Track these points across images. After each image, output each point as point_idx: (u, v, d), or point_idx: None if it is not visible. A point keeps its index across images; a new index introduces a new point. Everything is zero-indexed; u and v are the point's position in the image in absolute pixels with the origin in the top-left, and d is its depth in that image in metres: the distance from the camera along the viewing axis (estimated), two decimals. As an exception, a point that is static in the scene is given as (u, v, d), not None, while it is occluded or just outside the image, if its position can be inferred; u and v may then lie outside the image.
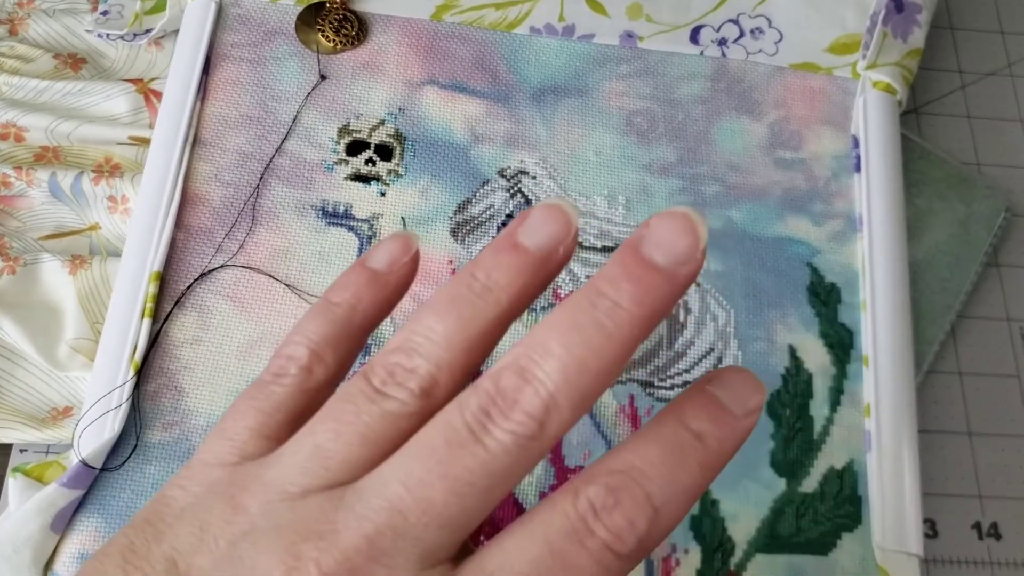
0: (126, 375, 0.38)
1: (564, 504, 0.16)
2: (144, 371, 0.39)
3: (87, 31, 0.48)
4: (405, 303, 0.41)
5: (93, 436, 0.37)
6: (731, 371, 0.18)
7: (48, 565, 0.36)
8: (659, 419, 0.17)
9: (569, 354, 0.16)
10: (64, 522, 0.36)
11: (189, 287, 0.41)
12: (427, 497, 0.16)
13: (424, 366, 0.18)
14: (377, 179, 0.44)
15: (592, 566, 0.16)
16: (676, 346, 0.42)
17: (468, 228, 0.43)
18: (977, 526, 0.43)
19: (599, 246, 0.43)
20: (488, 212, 0.44)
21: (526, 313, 0.42)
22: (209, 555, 0.17)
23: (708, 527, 0.39)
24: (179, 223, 0.42)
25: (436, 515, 0.16)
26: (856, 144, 0.46)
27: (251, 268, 0.41)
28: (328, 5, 0.46)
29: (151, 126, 0.45)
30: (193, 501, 0.18)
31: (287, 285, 0.41)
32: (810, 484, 0.40)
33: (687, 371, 0.42)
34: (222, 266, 0.41)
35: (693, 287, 0.43)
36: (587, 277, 0.43)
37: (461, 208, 0.44)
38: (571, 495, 0.16)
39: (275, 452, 0.19)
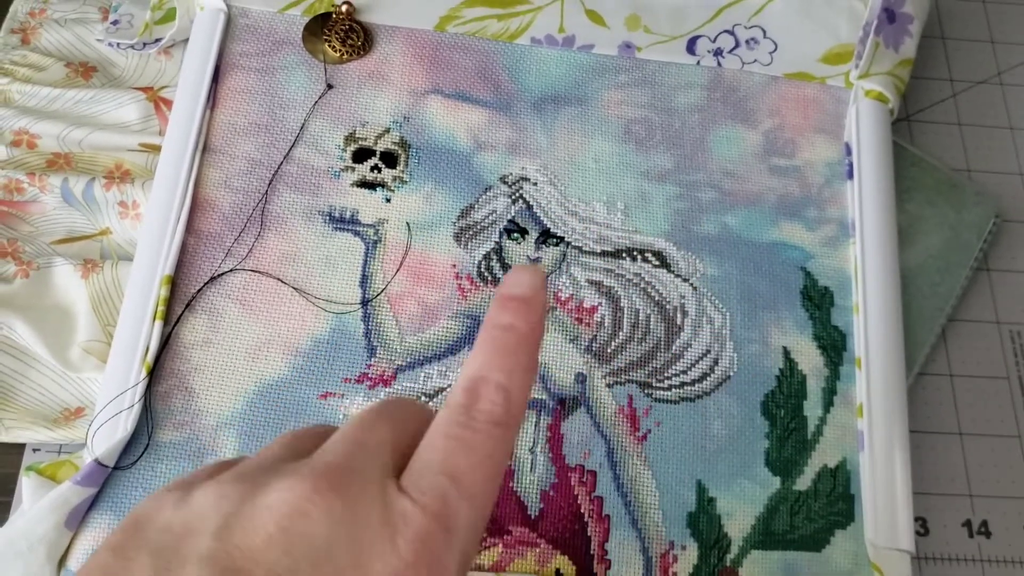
0: (138, 376, 0.39)
1: (445, 413, 0.21)
2: (155, 372, 0.40)
3: (98, 40, 0.49)
4: (409, 306, 0.43)
5: (106, 435, 0.38)
6: (512, 273, 0.23)
7: (62, 561, 0.37)
8: (481, 332, 0.22)
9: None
10: (78, 519, 0.37)
11: (199, 290, 0.42)
12: (378, 432, 0.21)
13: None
14: (382, 185, 0.45)
15: (483, 438, 0.20)
16: (673, 348, 0.43)
17: (471, 233, 0.44)
18: (968, 524, 0.44)
19: (598, 251, 0.45)
20: (491, 217, 0.45)
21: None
22: (201, 507, 0.19)
23: (705, 524, 0.40)
24: (189, 228, 0.43)
25: (388, 440, 0.21)
26: (849, 151, 0.48)
27: (260, 272, 0.43)
28: (334, 16, 0.47)
29: (161, 133, 0.46)
30: (175, 496, 0.20)
31: (295, 288, 0.42)
32: (804, 482, 0.41)
33: (684, 372, 0.43)
34: (231, 270, 0.42)
35: (690, 290, 0.44)
36: (587, 281, 0.44)
37: (464, 213, 0.45)
38: (447, 407, 0.21)
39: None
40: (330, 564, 0.18)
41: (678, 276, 0.44)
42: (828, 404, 0.43)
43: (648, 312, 0.44)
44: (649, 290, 0.44)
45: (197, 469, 0.23)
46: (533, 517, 0.40)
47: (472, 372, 0.22)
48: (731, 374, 0.43)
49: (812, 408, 0.43)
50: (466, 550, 0.20)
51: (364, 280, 0.43)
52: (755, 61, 0.49)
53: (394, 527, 0.19)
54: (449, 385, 0.41)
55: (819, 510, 0.41)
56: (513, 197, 0.45)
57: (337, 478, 0.19)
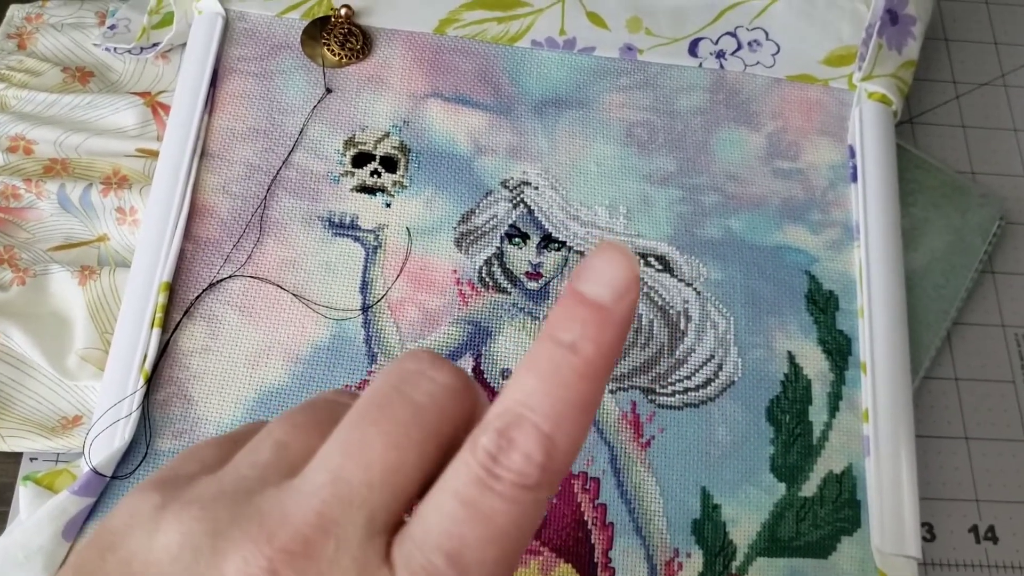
0: (136, 384, 0.39)
1: (466, 458, 0.17)
2: (154, 380, 0.40)
3: (95, 45, 0.49)
4: (410, 312, 0.42)
5: (104, 444, 0.38)
6: (594, 257, 0.17)
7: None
8: (534, 344, 0.17)
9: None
10: (75, 530, 0.37)
11: (198, 297, 0.41)
12: (367, 458, 0.17)
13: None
14: (382, 190, 0.44)
15: (506, 507, 0.16)
16: (677, 353, 0.43)
17: (472, 238, 0.44)
18: (974, 529, 0.44)
19: (601, 255, 0.44)
20: (491, 222, 0.44)
21: (531, 321, 0.43)
22: (164, 552, 0.16)
23: (710, 531, 0.40)
24: (187, 234, 0.42)
25: (378, 472, 0.17)
26: (852, 154, 0.47)
27: (259, 278, 0.42)
28: (333, 19, 0.47)
29: (159, 138, 0.46)
30: (153, 510, 0.18)
31: (294, 295, 0.42)
32: (809, 488, 0.41)
33: (688, 378, 0.42)
34: (230, 276, 0.42)
35: (694, 294, 0.44)
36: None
37: (465, 218, 0.44)
38: (469, 449, 0.17)
39: (231, 460, 0.19)
40: None
41: (681, 280, 0.44)
42: (833, 409, 0.42)
43: (651, 317, 0.43)
44: (652, 295, 0.44)
45: (188, 453, 0.20)
46: (536, 525, 0.39)
47: (509, 404, 0.17)
48: (735, 379, 0.42)
49: (817, 413, 0.42)
50: None
51: (364, 286, 0.43)
52: (757, 63, 0.49)
53: None
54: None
55: (825, 516, 0.40)
56: (514, 201, 0.45)
57: (301, 550, 0.16)
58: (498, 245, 0.44)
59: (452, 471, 0.17)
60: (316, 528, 0.16)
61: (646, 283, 0.44)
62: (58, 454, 0.41)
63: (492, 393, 0.41)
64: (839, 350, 0.43)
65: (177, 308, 0.41)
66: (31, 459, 0.42)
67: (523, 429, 0.16)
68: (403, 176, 0.45)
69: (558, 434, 0.16)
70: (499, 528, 0.16)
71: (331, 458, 0.17)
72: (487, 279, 0.43)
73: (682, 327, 0.43)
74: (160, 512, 0.17)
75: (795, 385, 0.43)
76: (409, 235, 0.44)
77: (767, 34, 0.49)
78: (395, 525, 0.17)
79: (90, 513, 0.37)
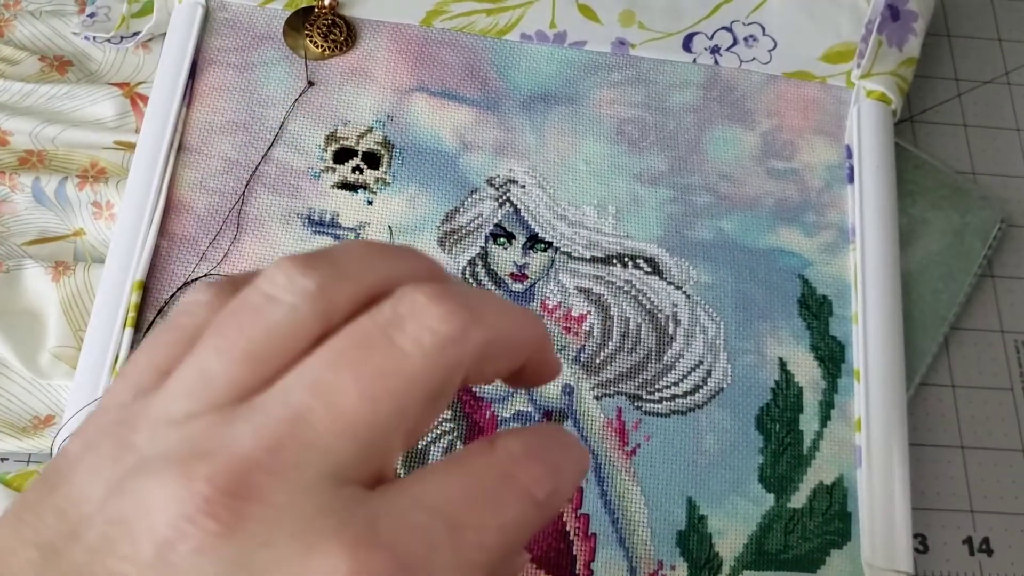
0: (107, 385, 0.38)
1: (484, 450, 0.16)
2: (126, 381, 0.39)
3: (74, 33, 0.48)
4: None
5: (73, 447, 0.37)
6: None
7: (27, 577, 0.36)
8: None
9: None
10: (43, 534, 0.36)
11: (172, 296, 0.40)
12: (337, 402, 0.15)
13: (325, 271, 0.17)
14: (364, 187, 0.43)
15: (516, 503, 0.16)
16: (665, 359, 0.42)
17: (456, 237, 0.43)
18: (968, 541, 0.43)
19: (588, 256, 0.43)
20: (476, 221, 0.43)
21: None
22: (98, 497, 0.15)
23: (695, 543, 0.39)
24: (163, 231, 0.41)
25: (347, 422, 0.15)
26: (849, 154, 0.46)
27: (235, 277, 0.41)
28: (316, 10, 0.46)
29: (137, 131, 0.45)
30: (86, 448, 0.16)
31: (271, 294, 0.41)
32: (799, 500, 0.40)
33: (675, 384, 0.41)
34: (206, 275, 0.41)
35: (683, 298, 0.43)
36: (576, 288, 0.42)
37: (449, 217, 0.43)
38: (488, 445, 0.17)
39: (163, 383, 0.17)
40: None
41: (670, 283, 0.43)
42: (825, 418, 0.41)
43: (639, 321, 0.42)
44: (640, 298, 0.42)
45: (126, 370, 0.18)
46: (516, 535, 0.38)
47: (517, 438, 0.17)
48: (724, 386, 0.41)
49: (808, 422, 0.41)
50: None
51: (344, 286, 0.41)
52: (753, 59, 0.47)
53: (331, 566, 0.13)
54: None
55: (814, 529, 0.39)
56: (500, 200, 0.44)
57: (246, 488, 0.14)
58: (483, 245, 0.43)
59: (466, 456, 0.16)
60: (266, 470, 0.14)
61: (634, 286, 0.43)
62: (29, 455, 0.41)
63: (475, 400, 0.40)
64: (832, 357, 0.42)
65: (150, 308, 0.40)
66: (1, 459, 0.41)
67: (544, 455, 0.17)
68: (386, 173, 0.44)
69: (563, 476, 0.17)
70: (508, 520, 0.16)
71: (292, 393, 0.15)
72: (471, 280, 0.42)
73: (670, 332, 0.42)
74: (86, 452, 0.16)
75: (786, 393, 0.41)
76: (391, 233, 0.43)
77: (764, 29, 0.48)
78: (373, 477, 0.15)
79: (58, 518, 0.36)
